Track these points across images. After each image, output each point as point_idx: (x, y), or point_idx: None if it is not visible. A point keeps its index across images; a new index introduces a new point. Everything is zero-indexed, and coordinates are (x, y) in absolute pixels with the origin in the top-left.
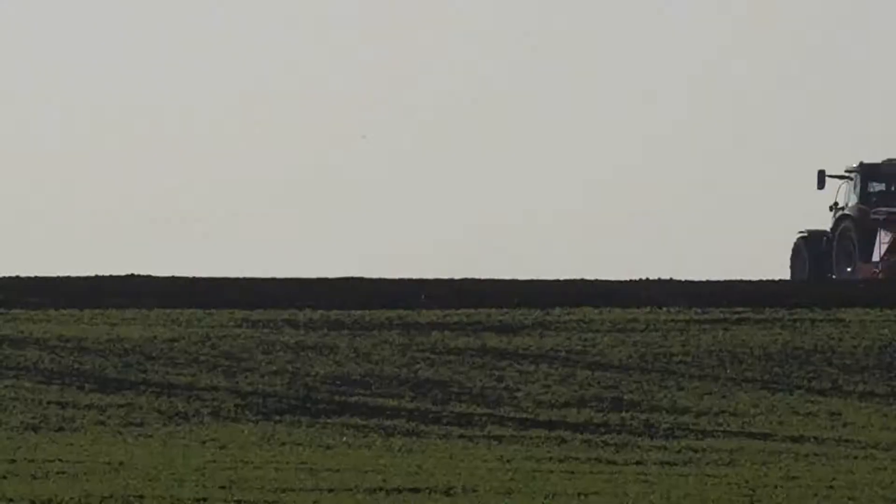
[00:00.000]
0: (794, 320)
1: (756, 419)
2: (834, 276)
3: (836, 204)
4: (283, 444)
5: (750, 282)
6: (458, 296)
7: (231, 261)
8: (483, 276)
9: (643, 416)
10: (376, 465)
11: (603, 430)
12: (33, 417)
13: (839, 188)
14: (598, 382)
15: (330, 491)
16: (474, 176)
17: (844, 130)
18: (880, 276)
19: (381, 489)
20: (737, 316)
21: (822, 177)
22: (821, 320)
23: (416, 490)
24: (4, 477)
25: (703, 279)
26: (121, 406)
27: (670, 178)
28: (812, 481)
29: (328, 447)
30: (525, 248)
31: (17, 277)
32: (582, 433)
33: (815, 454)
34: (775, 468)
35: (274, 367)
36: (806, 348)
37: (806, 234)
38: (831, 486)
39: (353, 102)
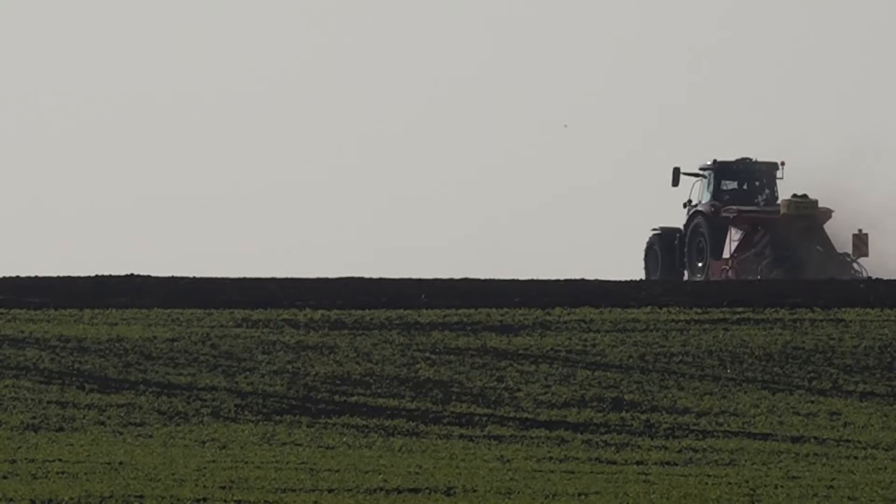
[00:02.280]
0: (795, 320)
1: (756, 419)
2: (686, 274)
3: (689, 201)
4: (284, 444)
5: (749, 282)
6: (458, 296)
7: (231, 261)
8: (483, 276)
9: (643, 416)
10: (377, 466)
11: (603, 430)
12: (33, 417)
13: (693, 186)
14: (599, 382)
15: (330, 491)
16: (475, 176)
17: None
18: (730, 273)
19: (381, 489)
20: (737, 316)
21: (676, 174)
22: (821, 320)
23: (416, 490)
24: (5, 477)
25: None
26: (121, 406)
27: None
28: (812, 481)
29: (328, 447)
30: (524, 249)
31: (18, 277)
32: (582, 433)
33: (816, 454)
34: (776, 468)
35: (274, 367)
36: (806, 348)
37: (659, 232)
38: (831, 486)
39: (355, 102)
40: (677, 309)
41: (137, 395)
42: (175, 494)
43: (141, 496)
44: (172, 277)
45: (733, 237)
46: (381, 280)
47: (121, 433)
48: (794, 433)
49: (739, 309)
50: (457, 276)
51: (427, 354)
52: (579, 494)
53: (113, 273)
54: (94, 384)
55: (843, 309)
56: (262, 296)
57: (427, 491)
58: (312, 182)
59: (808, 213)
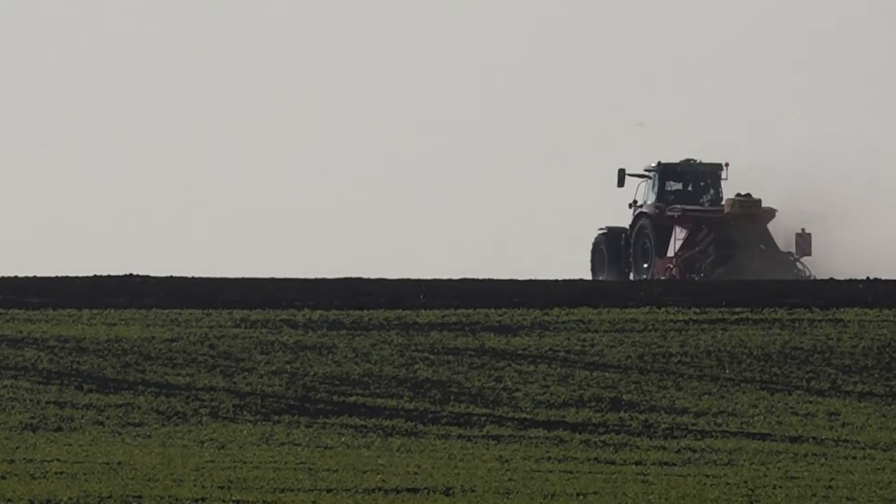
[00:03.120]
0: (793, 320)
1: (755, 419)
2: (632, 273)
3: (635, 202)
4: (282, 444)
5: (748, 282)
6: (456, 296)
7: (230, 261)
8: (482, 277)
9: (642, 417)
10: (375, 466)
11: (602, 430)
12: (32, 417)
13: (638, 186)
14: (597, 382)
15: (329, 491)
16: (475, 176)
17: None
18: (674, 272)
19: (379, 489)
20: (735, 316)
21: (621, 175)
22: (820, 320)
23: (414, 490)
24: (3, 477)
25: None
26: (119, 406)
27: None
28: (811, 481)
29: (327, 447)
30: (525, 249)
31: (16, 277)
32: (581, 433)
33: (814, 454)
34: (774, 468)
35: (273, 368)
36: (805, 348)
37: (605, 231)
38: (830, 486)
39: (360, 103)
40: (676, 309)
41: (136, 396)
42: (174, 494)
43: (139, 496)
44: (171, 278)
45: (678, 236)
46: (379, 280)
47: (119, 433)
48: (792, 433)
49: (738, 309)
50: (455, 277)
51: (426, 355)
52: (578, 494)
53: (111, 273)
54: (92, 384)
55: (842, 309)
56: (260, 296)
57: (426, 491)
58: (312, 182)
59: (752, 213)
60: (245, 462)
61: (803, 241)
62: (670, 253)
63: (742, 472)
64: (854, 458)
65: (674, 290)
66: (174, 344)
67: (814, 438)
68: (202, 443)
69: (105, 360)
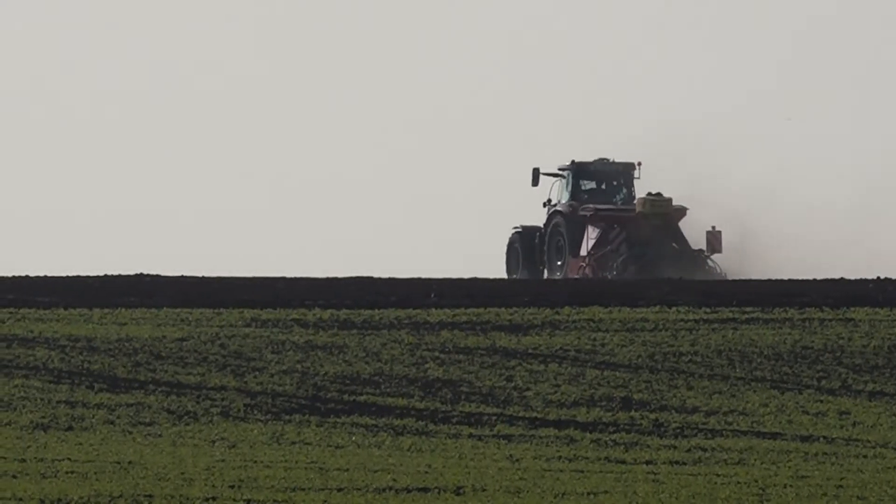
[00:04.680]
0: (804, 320)
1: (765, 418)
2: (546, 271)
3: (549, 201)
4: (293, 443)
5: (759, 281)
6: (467, 295)
7: (240, 261)
8: (492, 276)
9: (652, 416)
10: (386, 465)
11: (612, 429)
12: (43, 417)
13: (552, 185)
14: (608, 382)
15: (339, 490)
16: (477, 176)
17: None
18: (587, 270)
19: (390, 488)
20: (746, 315)
21: (536, 174)
22: (830, 320)
23: (425, 489)
24: (14, 476)
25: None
26: (130, 405)
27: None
28: (821, 481)
29: (338, 446)
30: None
31: (27, 277)
32: (591, 432)
33: (825, 453)
34: (785, 467)
35: (283, 367)
36: (815, 348)
37: (520, 230)
38: (841, 486)
39: (362, 100)
40: (686, 308)
41: (147, 395)
42: (184, 494)
43: (150, 496)
44: (182, 277)
45: (590, 235)
46: (390, 280)
47: (130, 433)
48: (803, 432)
49: (748, 308)
50: (466, 276)
51: (436, 354)
52: (588, 494)
53: (122, 273)
54: (103, 384)
55: (853, 308)
56: (271, 295)
57: (436, 490)
58: (321, 181)
59: (663, 211)
60: (256, 461)
61: (714, 239)
62: (583, 252)
63: (753, 472)
64: (865, 457)
65: (684, 289)
66: (185, 343)
67: (824, 437)
68: (213, 442)
69: (116, 359)
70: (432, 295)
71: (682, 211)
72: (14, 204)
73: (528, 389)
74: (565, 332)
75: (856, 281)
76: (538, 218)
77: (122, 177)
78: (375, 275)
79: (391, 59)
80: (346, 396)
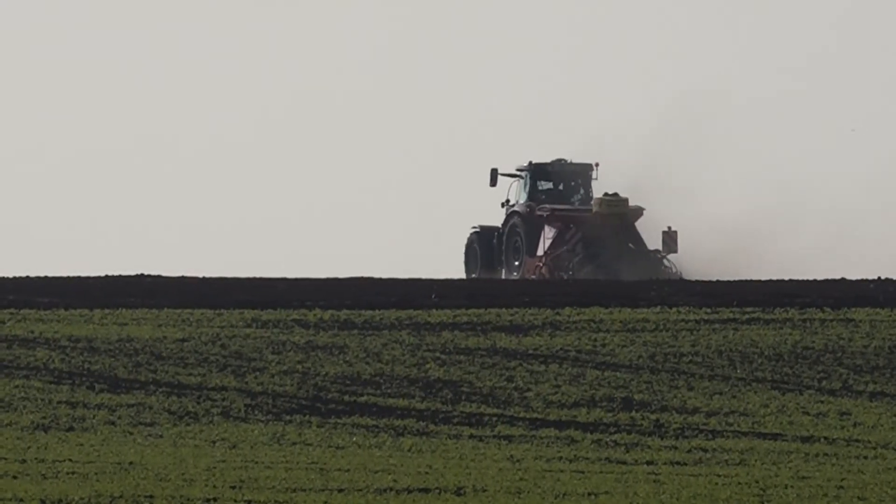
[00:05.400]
0: (805, 320)
1: (766, 419)
2: (504, 271)
3: (507, 201)
4: (294, 444)
5: (760, 281)
6: (467, 296)
7: (241, 261)
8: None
9: (653, 416)
10: (387, 465)
11: (613, 429)
12: (43, 417)
13: (510, 186)
14: (608, 382)
15: (340, 491)
16: (479, 176)
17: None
18: (544, 270)
19: (391, 489)
20: (747, 316)
21: (494, 175)
22: (831, 320)
23: (426, 490)
24: (15, 476)
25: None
26: (131, 406)
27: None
28: (822, 481)
29: (338, 447)
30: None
31: (27, 277)
32: (592, 433)
33: (826, 454)
34: (785, 468)
35: (284, 367)
36: (816, 348)
37: (478, 230)
38: (841, 486)
39: (369, 103)
40: (687, 309)
41: (147, 396)
42: (185, 494)
43: (151, 496)
44: (182, 277)
45: (547, 235)
46: (390, 280)
47: (131, 433)
48: (803, 433)
49: (749, 309)
50: (466, 277)
51: (437, 354)
52: (589, 494)
53: (123, 273)
54: (104, 384)
55: (853, 309)
56: (272, 296)
57: (437, 491)
58: (323, 182)
59: (619, 212)
60: (256, 462)
61: (670, 239)
62: (540, 252)
63: (753, 472)
64: (865, 457)
65: (685, 289)
66: (185, 344)
67: (825, 438)
68: (213, 443)
69: (116, 359)
70: (433, 296)
71: (638, 211)
72: (14, 204)
73: (528, 390)
74: (566, 333)
75: (856, 281)
76: (497, 218)
77: (123, 177)
78: (376, 275)
79: (391, 58)
80: (346, 397)
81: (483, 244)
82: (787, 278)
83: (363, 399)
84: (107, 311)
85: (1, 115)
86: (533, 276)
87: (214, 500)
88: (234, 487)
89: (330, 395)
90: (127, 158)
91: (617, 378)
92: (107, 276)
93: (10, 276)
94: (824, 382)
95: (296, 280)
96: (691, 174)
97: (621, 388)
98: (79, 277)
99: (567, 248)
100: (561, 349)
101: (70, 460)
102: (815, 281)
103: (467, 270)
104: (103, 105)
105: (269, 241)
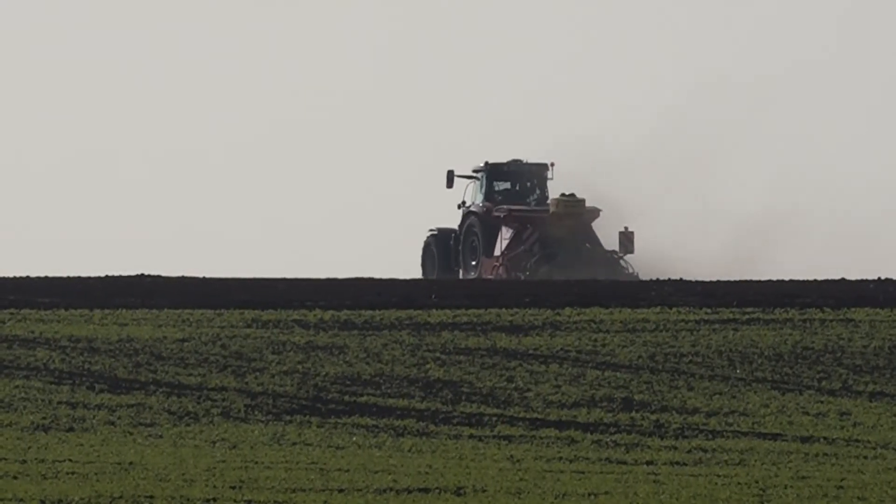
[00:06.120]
0: (805, 320)
1: (766, 419)
2: (461, 272)
3: (464, 202)
4: (294, 444)
5: (760, 282)
6: (467, 296)
7: (241, 261)
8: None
9: (653, 417)
10: (387, 466)
11: (613, 430)
12: (43, 417)
13: (467, 187)
14: (609, 382)
15: (340, 491)
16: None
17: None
18: (501, 270)
19: (391, 489)
20: (747, 316)
21: (450, 176)
22: (831, 320)
23: (426, 490)
24: (15, 477)
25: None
26: (131, 406)
27: None
28: (822, 481)
29: (338, 447)
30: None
31: (28, 277)
32: (592, 433)
33: (825, 454)
34: (785, 468)
35: (284, 368)
36: (816, 348)
37: (435, 232)
38: (841, 486)
39: (366, 105)
40: (687, 309)
41: (147, 396)
42: (185, 495)
43: (151, 496)
44: (182, 278)
45: (504, 235)
46: (390, 280)
47: (131, 433)
48: (803, 433)
49: (749, 309)
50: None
51: (437, 355)
52: (589, 494)
53: (123, 273)
54: (104, 384)
55: (853, 309)
56: (272, 296)
57: (437, 491)
58: (323, 182)
59: (576, 212)
60: (256, 462)
61: (626, 240)
62: (497, 252)
63: (753, 472)
64: (865, 457)
65: (685, 290)
66: (185, 344)
67: (825, 438)
68: (214, 443)
69: (116, 360)
70: (433, 296)
71: (595, 211)
72: (15, 205)
73: (528, 390)
74: (566, 333)
75: (856, 281)
76: (454, 220)
77: (123, 177)
78: (376, 275)
79: (391, 58)
80: (346, 397)
81: (440, 246)
82: (787, 278)
83: (363, 399)
84: (107, 311)
85: (1, 115)
86: (490, 276)
87: (214, 500)
88: (234, 487)
89: (330, 396)
90: (127, 158)
91: (617, 378)
92: (107, 276)
93: (10, 276)
94: (824, 382)
95: (296, 280)
96: (692, 174)
97: (621, 389)
98: (79, 277)
99: (524, 248)
100: (561, 349)
101: (70, 460)
102: (815, 281)
103: (424, 273)
104: (103, 105)
105: (269, 241)
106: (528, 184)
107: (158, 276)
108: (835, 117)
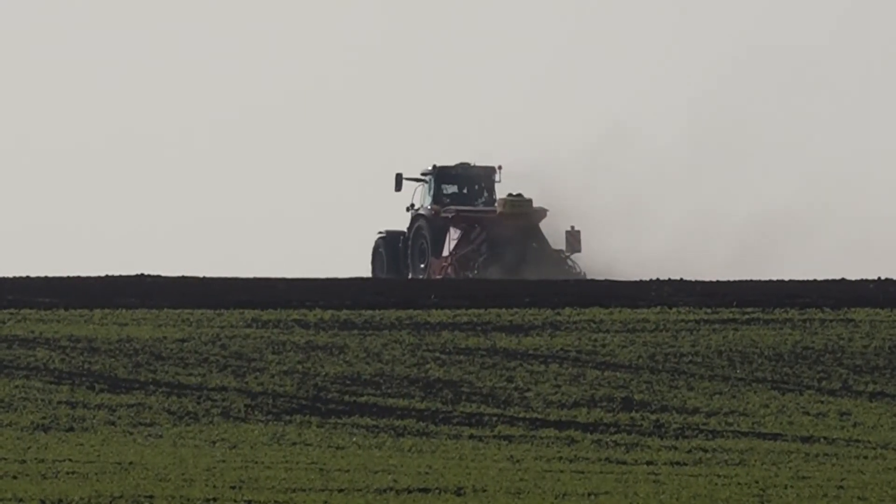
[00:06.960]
0: (805, 320)
1: (766, 419)
2: (410, 274)
3: (412, 205)
4: (294, 444)
5: (760, 282)
6: (467, 296)
7: (241, 261)
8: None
9: (653, 417)
10: (387, 465)
11: (613, 430)
12: (43, 417)
13: (415, 190)
14: (608, 382)
15: (340, 491)
16: None
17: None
18: (449, 270)
19: (391, 489)
20: (747, 316)
21: (399, 179)
22: (831, 320)
23: (426, 490)
24: (15, 477)
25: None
26: (131, 406)
27: None
28: (822, 481)
29: (338, 447)
30: None
31: (28, 278)
32: (592, 433)
33: (826, 454)
34: (785, 468)
35: (284, 368)
36: (816, 348)
37: (384, 235)
38: (841, 486)
39: (365, 104)
40: (687, 309)
41: (147, 396)
42: (185, 494)
43: (151, 496)
44: (182, 278)
45: (452, 236)
46: (390, 280)
47: (131, 433)
48: (803, 433)
49: (749, 309)
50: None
51: (437, 355)
52: (589, 494)
53: (123, 273)
54: (104, 384)
55: (853, 309)
56: (272, 296)
57: (437, 491)
58: (323, 182)
59: (523, 212)
60: (256, 462)
61: (573, 239)
62: (445, 252)
63: (753, 472)
64: (865, 457)
65: (685, 290)
66: (185, 344)
67: (825, 438)
68: (213, 443)
69: (116, 360)
70: (433, 296)
71: (542, 212)
72: (15, 205)
73: (528, 390)
74: (566, 333)
75: (856, 281)
76: (403, 222)
77: (123, 177)
78: None
79: (391, 58)
80: (346, 397)
81: (389, 248)
82: (787, 278)
83: (363, 399)
84: (107, 311)
85: (1, 115)
86: (439, 276)
87: (214, 500)
88: (234, 487)
89: (330, 396)
90: (127, 158)
91: (617, 378)
92: (107, 276)
93: (10, 276)
94: (824, 383)
95: (296, 280)
96: (693, 175)
97: (621, 388)
98: (79, 278)
99: (472, 247)
100: (561, 349)
101: (70, 460)
102: (815, 281)
103: (374, 274)
104: (103, 105)
105: (269, 241)
106: (476, 187)
107: (158, 276)
108: (834, 117)
